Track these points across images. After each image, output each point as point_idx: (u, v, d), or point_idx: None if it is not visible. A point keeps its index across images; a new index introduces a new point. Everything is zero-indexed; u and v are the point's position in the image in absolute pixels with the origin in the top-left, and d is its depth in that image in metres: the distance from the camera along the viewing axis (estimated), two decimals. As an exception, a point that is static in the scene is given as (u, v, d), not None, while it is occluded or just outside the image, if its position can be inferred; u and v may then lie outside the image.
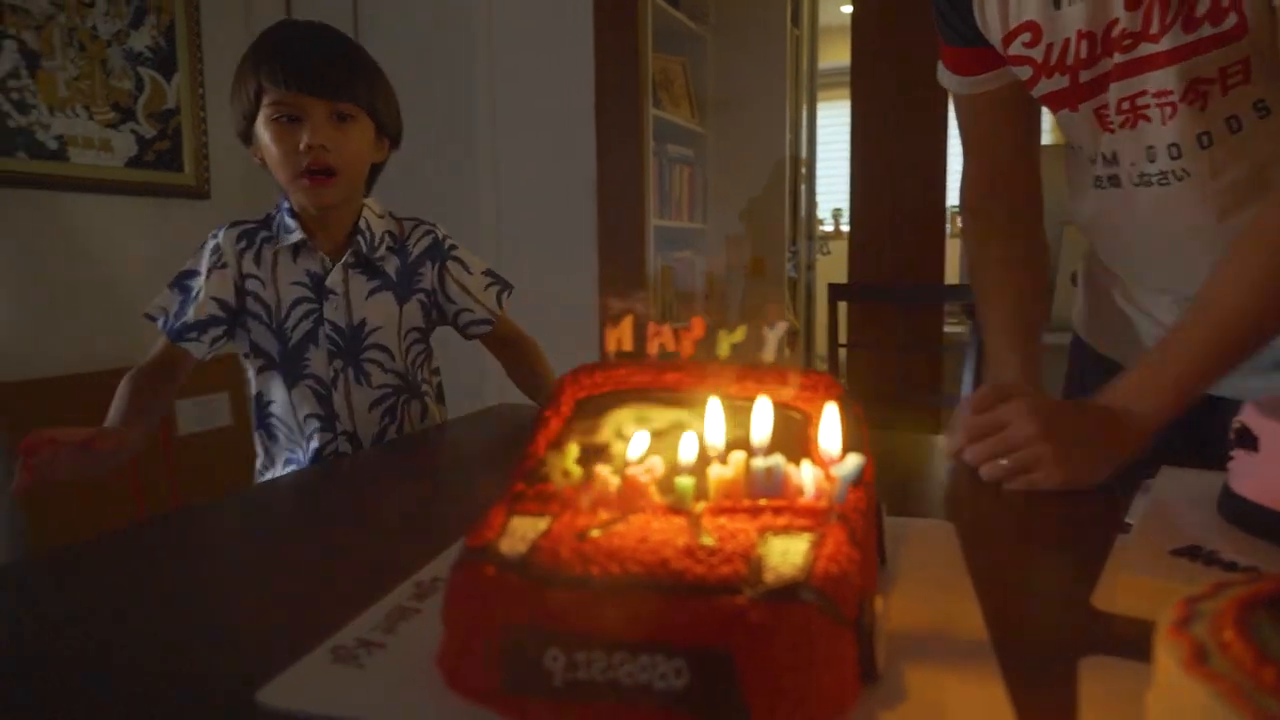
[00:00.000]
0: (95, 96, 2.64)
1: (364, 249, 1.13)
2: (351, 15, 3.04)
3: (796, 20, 3.46)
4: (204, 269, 1.09)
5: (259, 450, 1.19)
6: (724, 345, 0.56)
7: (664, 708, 0.38)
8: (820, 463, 0.46)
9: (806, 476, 0.45)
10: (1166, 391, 0.77)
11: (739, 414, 0.51)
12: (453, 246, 1.21)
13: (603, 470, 0.47)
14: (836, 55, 3.40)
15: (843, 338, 2.37)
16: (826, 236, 4.41)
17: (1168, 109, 0.81)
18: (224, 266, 1.09)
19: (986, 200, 1.01)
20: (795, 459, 0.47)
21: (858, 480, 0.49)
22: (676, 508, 0.45)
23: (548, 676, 0.39)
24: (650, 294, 2.70)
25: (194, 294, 1.08)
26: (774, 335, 0.56)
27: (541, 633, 0.40)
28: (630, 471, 0.46)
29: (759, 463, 0.46)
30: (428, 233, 1.20)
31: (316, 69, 1.02)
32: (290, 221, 1.11)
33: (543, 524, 0.45)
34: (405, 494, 0.84)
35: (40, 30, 2.48)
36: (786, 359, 0.55)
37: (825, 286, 2.15)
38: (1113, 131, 0.87)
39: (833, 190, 4.37)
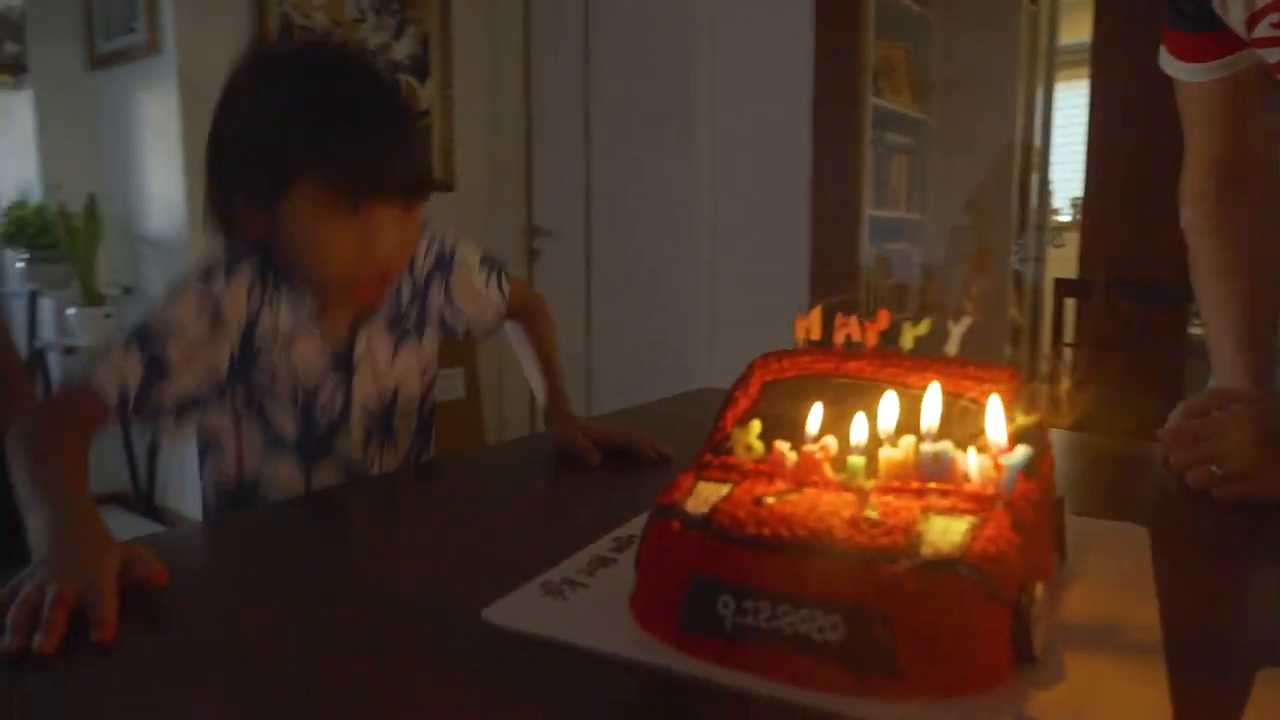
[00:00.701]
0: (363, 101, 2.98)
1: (400, 306, 0.93)
2: (583, 12, 3.22)
3: (1035, -4, 3.26)
4: (193, 335, 0.80)
5: None
6: (907, 337, 0.59)
7: (820, 657, 0.42)
8: (989, 452, 0.48)
9: (973, 464, 0.47)
10: None
11: (916, 403, 0.54)
12: (453, 249, 0.99)
13: (782, 446, 0.52)
14: (1079, 31, 3.16)
15: (1072, 336, 2.24)
16: (1062, 227, 4.11)
17: None
18: (223, 334, 0.82)
19: (1211, 200, 0.94)
20: (967, 448, 0.50)
21: (1030, 471, 0.51)
22: (847, 484, 0.49)
23: (719, 620, 0.45)
24: (861, 285, 2.67)
25: (170, 365, 0.78)
26: (957, 329, 0.58)
27: (717, 582, 0.45)
28: (807, 448, 0.51)
29: (928, 448, 0.49)
30: (430, 243, 0.97)
31: (397, 167, 0.79)
32: (298, 301, 0.86)
33: (724, 489, 0.50)
34: (606, 466, 0.91)
35: (322, 45, 2.84)
36: (965, 351, 0.57)
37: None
38: None
39: (1073, 178, 4.07)
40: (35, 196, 2.87)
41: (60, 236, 2.72)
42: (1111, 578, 0.57)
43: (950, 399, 0.53)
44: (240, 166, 0.80)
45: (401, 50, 3.07)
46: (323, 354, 0.87)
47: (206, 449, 0.89)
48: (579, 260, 3.37)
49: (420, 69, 3.14)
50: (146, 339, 0.78)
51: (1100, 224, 2.20)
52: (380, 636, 0.51)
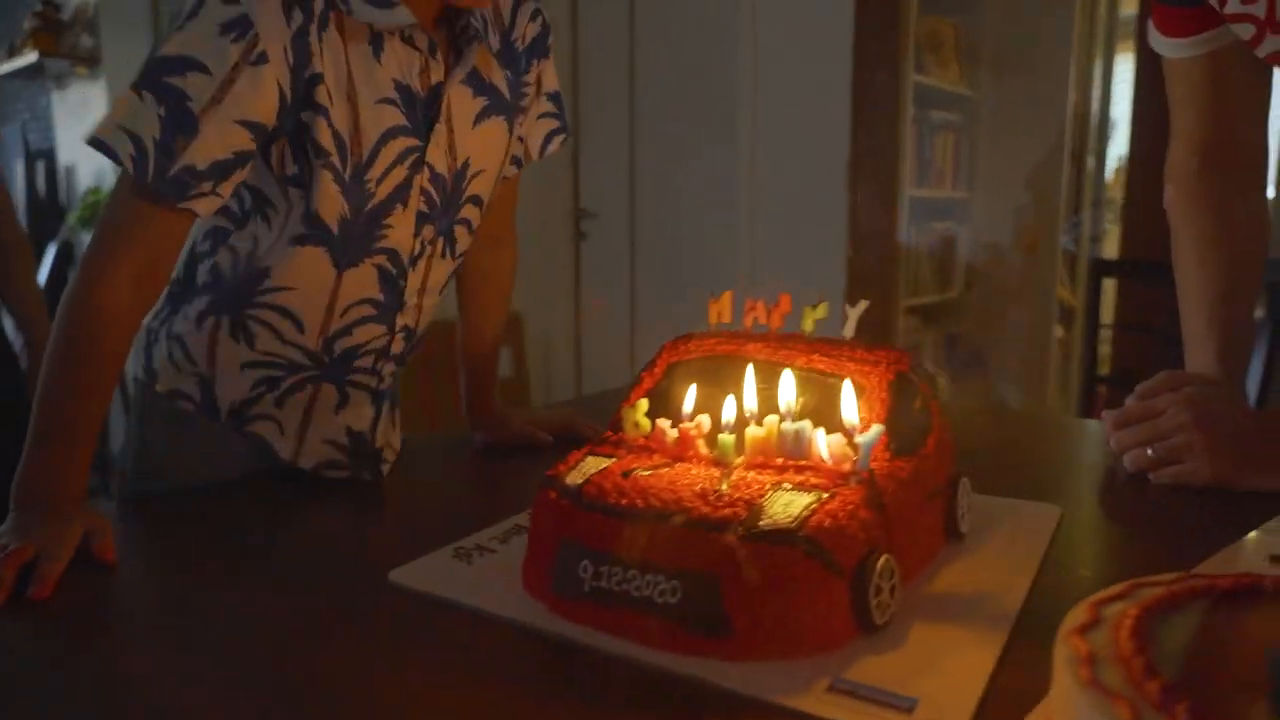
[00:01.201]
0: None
1: (495, 43, 0.76)
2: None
3: (1095, -34, 3.14)
4: (220, 65, 0.61)
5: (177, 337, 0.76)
6: (808, 320, 0.61)
7: (662, 618, 0.46)
8: (845, 431, 0.51)
9: (823, 443, 0.50)
10: None
11: (806, 383, 0.56)
12: (550, 45, 0.82)
13: (663, 424, 0.55)
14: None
15: (1112, 318, 2.18)
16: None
17: None
18: (261, 62, 0.62)
19: (1193, 178, 0.92)
20: (842, 428, 0.52)
21: (902, 450, 0.53)
22: (718, 460, 0.52)
23: (580, 583, 0.49)
24: (900, 265, 2.63)
25: (195, 108, 0.61)
26: (853, 312, 0.60)
27: (579, 547, 0.49)
28: (683, 426, 0.54)
29: (787, 427, 0.51)
30: (535, 12, 0.80)
31: None
32: None
33: (606, 463, 0.54)
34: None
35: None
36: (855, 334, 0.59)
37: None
38: None
39: (1138, 153, 3.92)
40: (109, 182, 3.04)
41: (129, 221, 2.88)
42: (999, 554, 0.59)
43: (832, 380, 0.55)
44: None
45: (449, 36, 3.14)
46: (396, 95, 0.68)
47: (223, 215, 0.73)
48: (624, 241, 3.41)
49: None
50: (160, 78, 0.61)
51: (1142, 202, 2.13)
52: (300, 597, 0.56)
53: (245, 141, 0.63)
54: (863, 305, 0.60)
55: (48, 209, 3.47)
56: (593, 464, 0.54)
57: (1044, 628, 0.48)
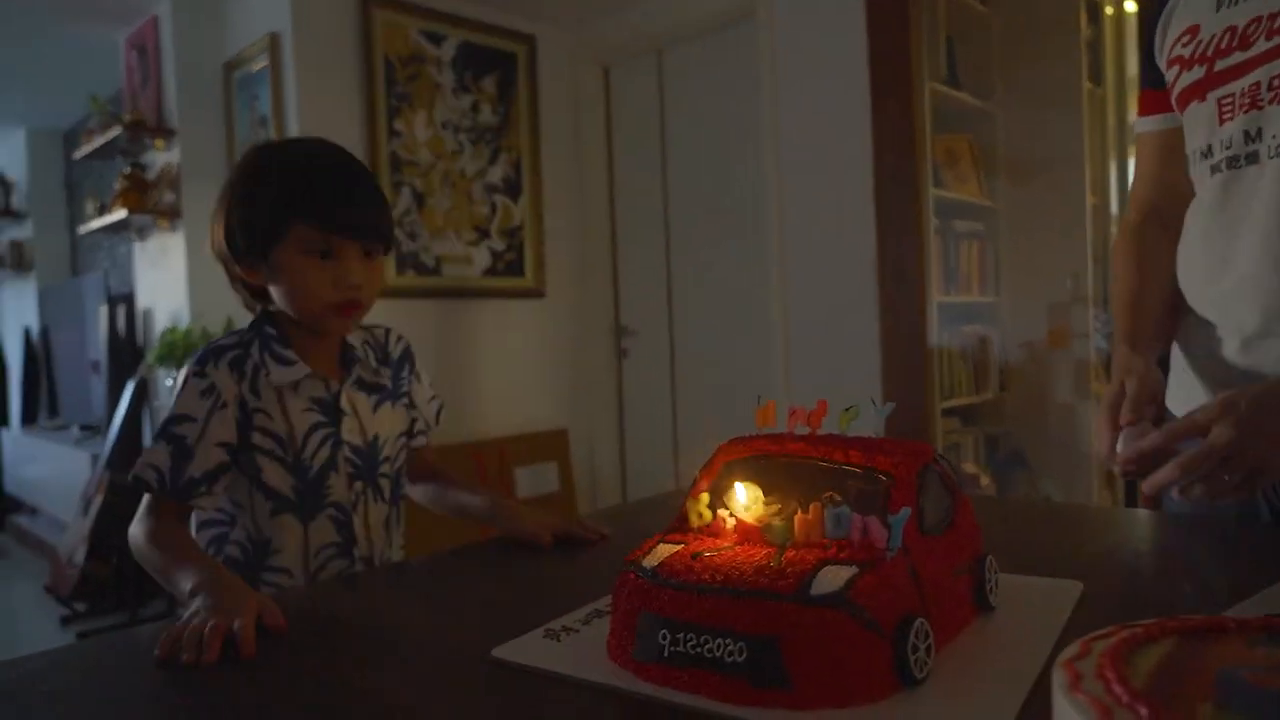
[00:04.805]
0: (461, 222, 3.30)
1: (370, 367, 1.12)
2: (659, 128, 3.49)
3: (1097, 78, 3.32)
4: (201, 414, 0.99)
5: None
6: (843, 421, 0.71)
7: (731, 676, 0.54)
8: (880, 515, 0.60)
9: (859, 524, 0.59)
10: None
11: (840, 476, 0.66)
12: (413, 354, 1.20)
13: (724, 514, 0.65)
14: (1148, 110, 3.20)
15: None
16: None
17: None
18: (223, 407, 1.00)
19: (1134, 230, 1.08)
20: (876, 512, 0.61)
21: (931, 530, 0.62)
22: (771, 542, 0.61)
23: (659, 649, 0.57)
24: (933, 369, 2.72)
25: (190, 443, 0.97)
26: (881, 413, 0.70)
27: (658, 619, 0.58)
28: (741, 515, 0.64)
29: (830, 511, 0.60)
30: (400, 338, 1.19)
31: (360, 216, 1.02)
32: (285, 352, 1.04)
33: (675, 548, 0.63)
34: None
35: (425, 176, 3.18)
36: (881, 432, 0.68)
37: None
38: (1232, 118, 0.91)
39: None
40: (184, 322, 3.27)
41: (203, 356, 3.08)
42: (1025, 623, 0.66)
43: (867, 472, 0.65)
44: (243, 230, 1.02)
45: (496, 174, 3.39)
46: (310, 406, 1.06)
47: (210, 527, 1.07)
48: (664, 355, 3.55)
49: (513, 190, 3.45)
50: (167, 429, 0.99)
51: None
52: (414, 672, 0.65)
53: (223, 455, 1.00)
54: (890, 407, 0.70)
55: (126, 348, 3.72)
56: (664, 549, 0.63)
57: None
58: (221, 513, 1.07)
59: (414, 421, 1.18)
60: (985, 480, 2.95)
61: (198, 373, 1.01)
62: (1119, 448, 0.89)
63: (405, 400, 1.16)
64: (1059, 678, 0.41)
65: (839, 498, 0.62)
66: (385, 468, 1.12)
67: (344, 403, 1.08)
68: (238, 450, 1.02)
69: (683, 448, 3.49)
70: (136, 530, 0.96)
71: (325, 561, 1.07)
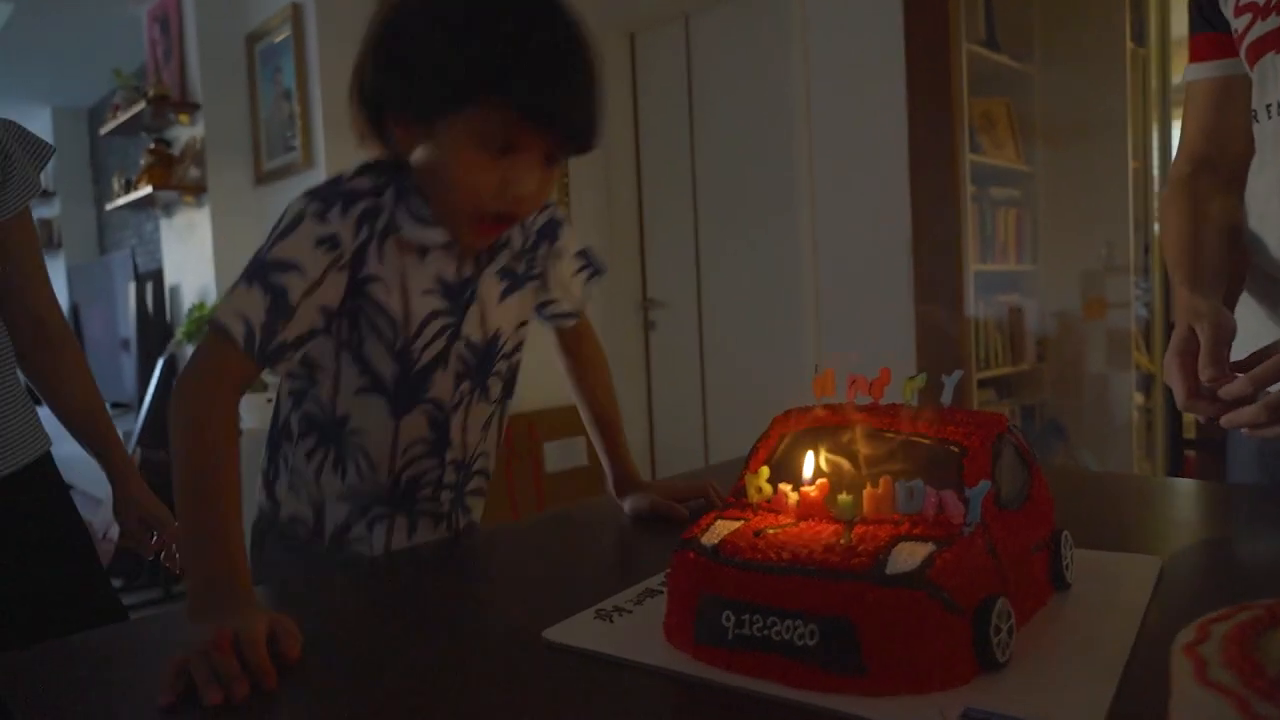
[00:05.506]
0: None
1: (515, 251, 0.93)
2: (686, 94, 3.42)
3: (1140, 38, 3.21)
4: (314, 269, 0.79)
5: (283, 469, 0.93)
6: (907, 390, 0.67)
7: (801, 660, 0.51)
8: (955, 488, 0.56)
9: (933, 498, 0.55)
10: None
11: (909, 448, 0.62)
12: (560, 221, 0.99)
13: (786, 488, 0.61)
14: (1192, 71, 3.09)
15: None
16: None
17: None
18: (342, 268, 0.81)
19: (1183, 180, 1.03)
20: (950, 485, 0.58)
21: (1008, 504, 0.58)
22: (838, 518, 0.58)
23: (723, 631, 0.54)
24: (970, 340, 2.66)
25: (293, 300, 0.78)
26: (950, 382, 0.66)
27: (720, 600, 0.55)
28: (805, 489, 0.60)
29: (901, 485, 0.57)
30: (544, 205, 0.96)
31: (578, 117, 0.80)
32: (425, 210, 0.84)
33: (736, 525, 0.60)
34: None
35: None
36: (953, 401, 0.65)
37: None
38: None
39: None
40: (211, 298, 3.28)
41: (232, 332, 3.08)
42: (1106, 601, 0.62)
43: (938, 444, 0.61)
44: (402, 81, 0.79)
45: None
46: (433, 288, 0.86)
47: (295, 379, 0.90)
48: (692, 328, 3.50)
49: (538, 161, 3.40)
50: (267, 274, 0.78)
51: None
52: (464, 655, 0.63)
53: (319, 321, 0.82)
54: (958, 375, 0.66)
55: (155, 325, 3.73)
56: (724, 526, 0.60)
57: (1155, 662, 0.52)
58: (302, 366, 0.89)
59: (547, 304, 1.01)
60: (1022, 452, 2.90)
61: (319, 214, 0.80)
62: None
63: (536, 283, 0.97)
64: (1182, 665, 0.38)
65: (911, 470, 0.59)
66: (500, 365, 0.95)
67: (479, 289, 0.89)
68: (338, 315, 0.84)
69: (711, 421, 3.46)
70: (187, 399, 0.76)
71: (412, 459, 0.91)
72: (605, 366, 1.10)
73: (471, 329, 0.90)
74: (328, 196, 0.81)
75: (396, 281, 0.85)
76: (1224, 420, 0.81)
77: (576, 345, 1.08)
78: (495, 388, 0.96)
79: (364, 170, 0.86)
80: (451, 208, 0.83)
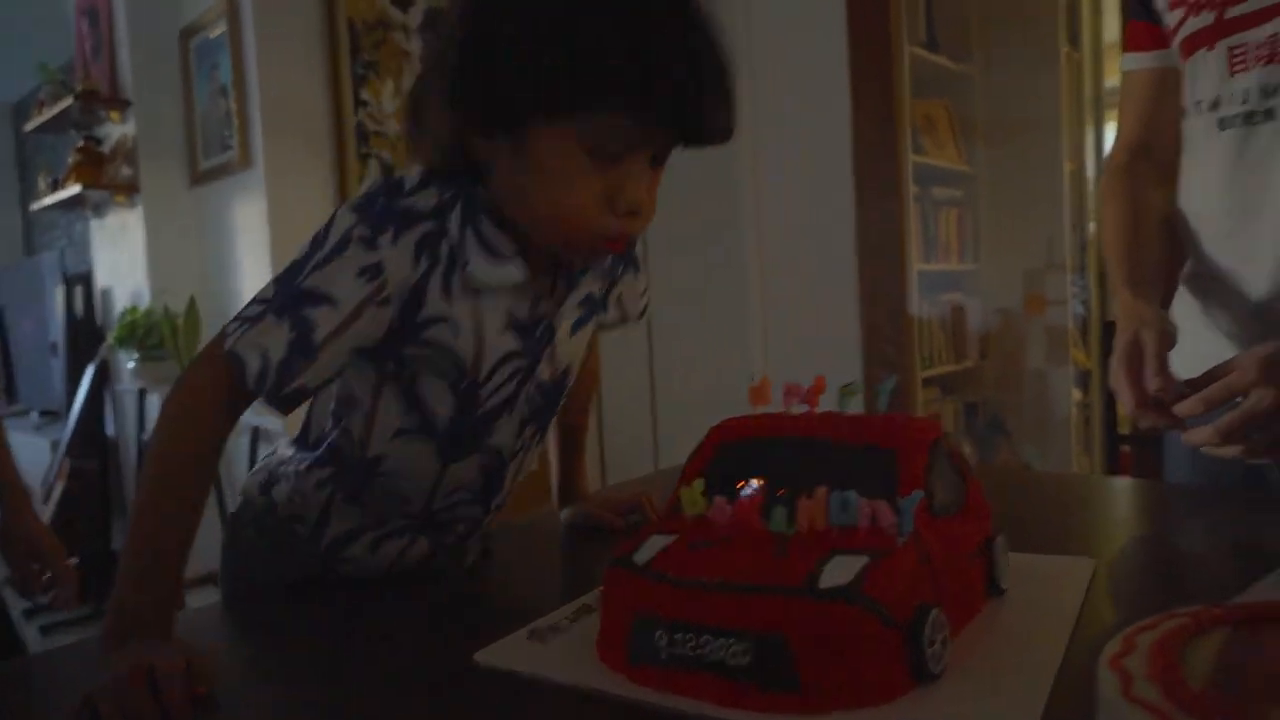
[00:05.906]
0: (431, 195, 3.20)
1: (596, 278, 0.82)
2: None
3: (1075, 41, 3.29)
4: (350, 301, 0.67)
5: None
6: (843, 398, 0.66)
7: (736, 679, 0.50)
8: (888, 498, 0.55)
9: (866, 509, 0.55)
10: None
11: (843, 457, 0.61)
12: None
13: (720, 500, 0.60)
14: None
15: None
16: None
17: None
18: (384, 303, 0.68)
19: (1120, 170, 1.05)
20: (884, 495, 0.57)
21: (940, 512, 0.58)
22: (772, 530, 0.57)
23: (656, 651, 0.53)
24: (914, 339, 2.70)
25: (318, 338, 0.67)
26: (884, 389, 0.65)
27: (653, 618, 0.54)
28: (739, 501, 0.59)
29: (835, 496, 0.56)
30: None
31: (723, 115, 0.72)
32: (499, 240, 0.71)
33: (669, 540, 0.58)
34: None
35: (394, 147, 3.09)
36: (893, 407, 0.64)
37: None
38: (1245, 70, 0.86)
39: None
40: (144, 302, 3.17)
41: (165, 336, 2.99)
42: (1040, 605, 0.63)
43: (872, 452, 0.61)
44: (484, 80, 0.65)
45: (465, 145, 3.30)
46: (510, 323, 0.74)
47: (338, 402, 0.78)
48: (640, 334, 3.49)
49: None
50: (298, 305, 0.67)
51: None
52: (390, 678, 0.61)
53: (346, 360, 0.70)
54: (893, 380, 0.66)
55: (85, 329, 3.60)
56: (658, 541, 0.59)
57: (1087, 670, 0.52)
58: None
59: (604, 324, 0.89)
60: (967, 449, 2.95)
61: (367, 241, 0.67)
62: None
63: (603, 310, 0.87)
64: (1107, 679, 0.37)
65: (845, 480, 0.58)
66: (562, 401, 0.85)
67: (559, 327, 0.78)
68: (379, 352, 0.72)
69: (662, 422, 3.45)
70: (170, 421, 0.67)
71: (453, 505, 0.81)
72: (596, 378, 1.04)
73: (543, 369, 0.79)
74: (380, 219, 0.68)
75: (469, 322, 0.72)
76: (1184, 438, 0.82)
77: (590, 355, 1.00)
78: (551, 426, 0.88)
79: (428, 181, 0.71)
80: (551, 232, 0.70)
